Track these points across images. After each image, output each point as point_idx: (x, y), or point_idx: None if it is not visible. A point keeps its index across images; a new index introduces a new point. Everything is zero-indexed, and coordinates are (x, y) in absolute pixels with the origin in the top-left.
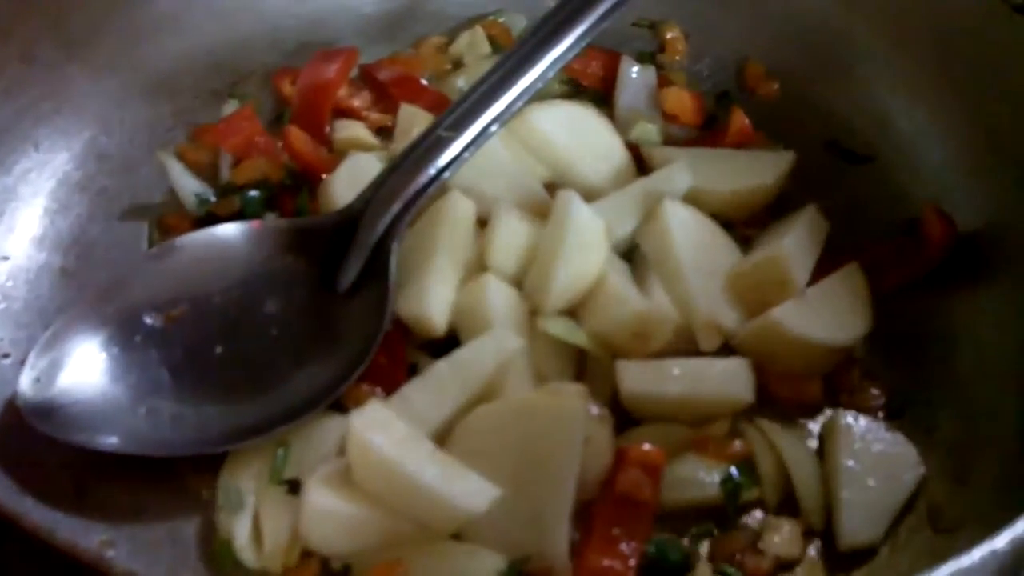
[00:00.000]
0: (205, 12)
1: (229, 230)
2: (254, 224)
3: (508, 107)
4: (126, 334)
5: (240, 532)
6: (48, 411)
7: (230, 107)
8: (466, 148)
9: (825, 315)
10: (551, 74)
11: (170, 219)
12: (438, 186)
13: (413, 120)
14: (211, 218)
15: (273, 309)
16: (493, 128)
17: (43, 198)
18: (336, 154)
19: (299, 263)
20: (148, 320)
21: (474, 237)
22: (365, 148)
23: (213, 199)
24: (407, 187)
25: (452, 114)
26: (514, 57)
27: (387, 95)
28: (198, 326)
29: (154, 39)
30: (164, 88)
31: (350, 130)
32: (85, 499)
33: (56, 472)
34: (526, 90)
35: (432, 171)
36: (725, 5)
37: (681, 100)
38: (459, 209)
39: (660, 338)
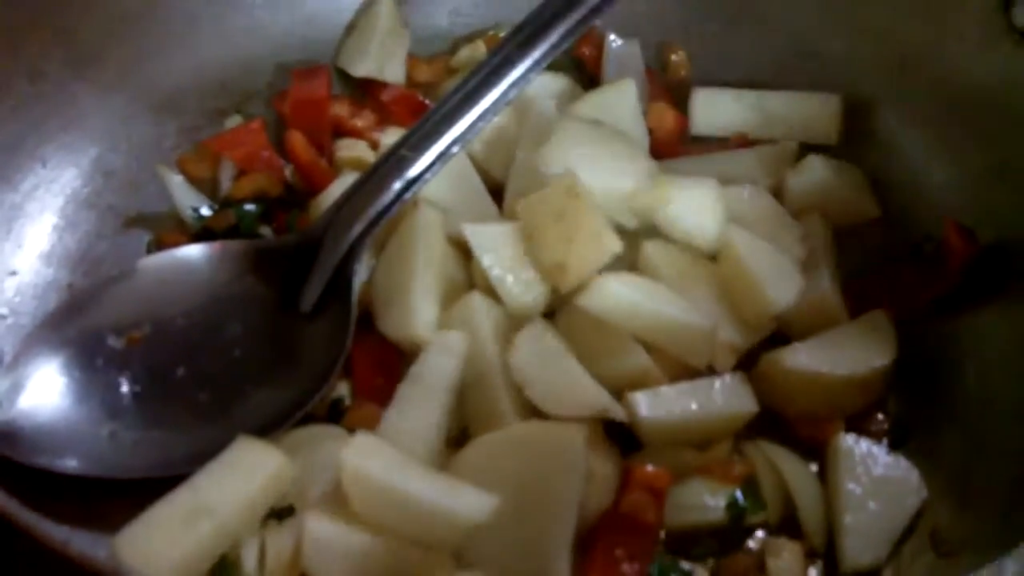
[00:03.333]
0: (211, 32)
1: (192, 251)
2: (216, 245)
3: (470, 127)
4: (88, 356)
5: (248, 555)
6: (7, 434)
7: (232, 122)
8: (427, 168)
9: (833, 352)
10: (512, 94)
11: (166, 237)
12: (400, 206)
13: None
14: (207, 233)
15: (236, 330)
16: (455, 149)
17: (51, 214)
18: (337, 172)
19: (262, 284)
20: (110, 342)
21: (448, 247)
22: (367, 166)
23: (210, 213)
24: (368, 208)
25: (415, 134)
26: (476, 78)
27: (389, 114)
28: (160, 348)
29: (160, 58)
30: (170, 106)
31: (353, 149)
32: (94, 513)
33: (65, 487)
34: (488, 111)
35: (393, 192)
36: (730, 28)
37: (663, 117)
38: (429, 221)
39: (651, 387)
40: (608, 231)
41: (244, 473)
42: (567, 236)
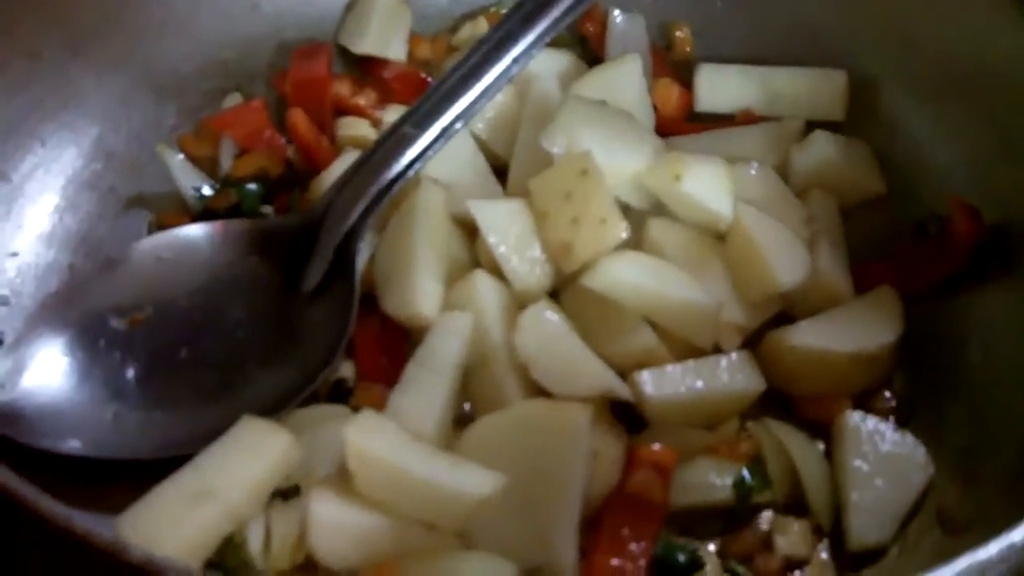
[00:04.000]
0: (211, 12)
1: (193, 231)
2: (217, 225)
3: (473, 104)
4: (90, 337)
5: (254, 537)
6: (10, 415)
7: (233, 100)
8: (430, 146)
9: (839, 329)
10: (515, 70)
11: (167, 218)
12: (402, 184)
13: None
14: (208, 213)
15: (238, 311)
16: (457, 125)
17: (51, 195)
18: (339, 151)
19: (264, 265)
20: (112, 323)
21: (451, 225)
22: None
23: (212, 193)
24: (370, 187)
25: (417, 111)
26: (477, 54)
27: (391, 93)
28: (163, 329)
29: (160, 37)
30: (170, 86)
31: (354, 128)
32: (97, 495)
33: (68, 468)
34: (490, 87)
35: (396, 170)
36: (735, 5)
37: (668, 93)
38: (432, 200)
39: (657, 366)
40: (616, 216)
41: (249, 453)
42: (574, 216)
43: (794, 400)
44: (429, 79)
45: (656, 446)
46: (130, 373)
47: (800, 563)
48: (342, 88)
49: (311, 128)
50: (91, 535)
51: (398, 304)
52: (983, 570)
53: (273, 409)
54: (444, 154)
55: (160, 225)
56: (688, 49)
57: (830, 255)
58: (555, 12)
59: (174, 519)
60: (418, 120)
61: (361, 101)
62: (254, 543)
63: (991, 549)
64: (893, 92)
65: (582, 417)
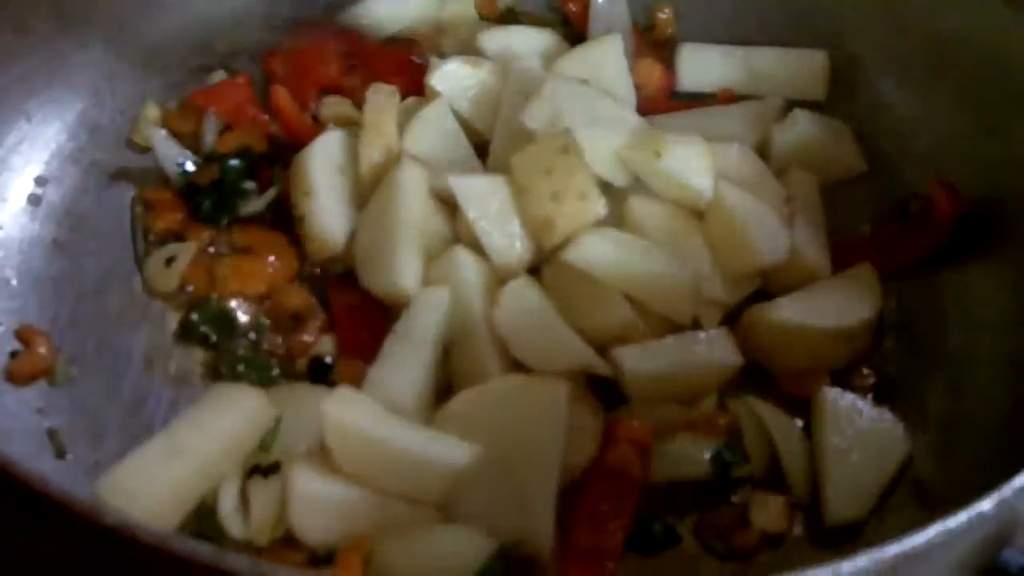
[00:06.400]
0: None
1: None
2: None
3: None
4: None
5: (224, 502)
6: None
7: (217, 77)
8: None
9: (817, 304)
10: None
11: (151, 193)
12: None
13: (382, 97)
14: (191, 188)
15: None
16: None
17: (35, 169)
18: (322, 128)
19: None
20: None
21: (431, 201)
22: (352, 124)
23: (195, 168)
24: None
25: None
26: None
27: (377, 72)
28: None
29: (147, 13)
30: (156, 62)
31: (338, 106)
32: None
33: (38, 433)
34: None
35: None
36: None
37: (650, 72)
38: (412, 176)
39: (636, 341)
40: (595, 192)
41: (220, 412)
42: (555, 192)
43: (774, 376)
44: (416, 59)
45: (634, 422)
46: None
47: (777, 538)
48: (328, 66)
49: (293, 105)
50: (68, 498)
51: (378, 279)
52: (953, 538)
53: None
54: (424, 130)
55: (144, 200)
56: (670, 30)
57: (808, 233)
58: None
59: (149, 477)
60: None
61: (347, 80)
62: (224, 506)
63: (960, 517)
64: (877, 71)
65: (560, 392)
